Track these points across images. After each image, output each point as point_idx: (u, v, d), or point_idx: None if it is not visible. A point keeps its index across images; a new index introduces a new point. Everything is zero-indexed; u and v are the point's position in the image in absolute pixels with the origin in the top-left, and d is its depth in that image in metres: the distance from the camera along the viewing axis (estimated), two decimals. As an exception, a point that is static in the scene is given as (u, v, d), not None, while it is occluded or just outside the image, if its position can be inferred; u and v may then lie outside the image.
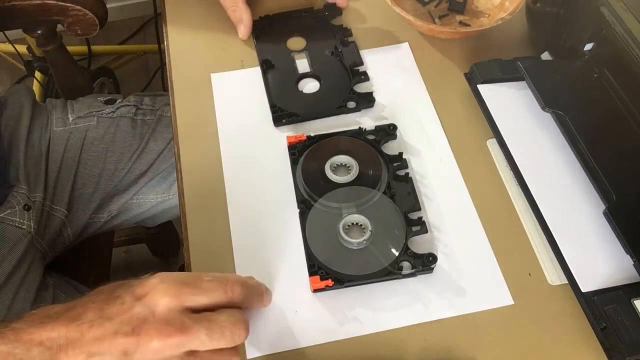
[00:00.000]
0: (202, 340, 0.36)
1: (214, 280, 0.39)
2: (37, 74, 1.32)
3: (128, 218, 0.80)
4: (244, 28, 0.65)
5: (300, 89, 0.62)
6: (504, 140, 0.54)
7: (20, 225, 0.66)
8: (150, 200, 0.78)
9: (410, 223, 0.50)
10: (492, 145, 0.57)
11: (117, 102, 0.79)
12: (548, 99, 0.53)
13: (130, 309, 0.36)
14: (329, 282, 0.47)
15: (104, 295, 0.38)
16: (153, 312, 0.36)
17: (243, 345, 0.45)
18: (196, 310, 0.38)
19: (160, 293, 0.36)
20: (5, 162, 0.68)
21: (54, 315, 0.37)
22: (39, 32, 0.82)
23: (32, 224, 0.67)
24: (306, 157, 0.55)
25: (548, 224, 0.49)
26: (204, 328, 0.36)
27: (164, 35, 0.68)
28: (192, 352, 0.37)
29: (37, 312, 0.38)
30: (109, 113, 0.78)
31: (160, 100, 0.82)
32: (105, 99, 0.80)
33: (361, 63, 0.63)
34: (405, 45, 0.65)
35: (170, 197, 0.78)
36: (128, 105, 0.79)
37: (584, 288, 0.45)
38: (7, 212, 0.65)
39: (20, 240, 0.65)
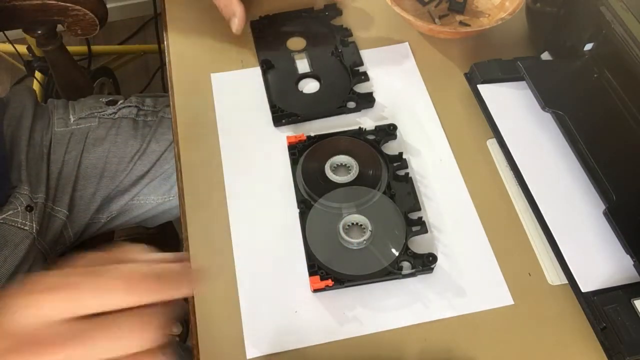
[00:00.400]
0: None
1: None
2: (37, 74, 1.32)
3: (128, 219, 0.80)
4: (237, 21, 0.62)
5: (300, 89, 0.62)
6: (504, 140, 0.54)
7: (22, 227, 0.66)
8: (150, 202, 0.78)
9: (410, 223, 0.50)
10: (492, 145, 0.57)
11: (119, 103, 0.79)
12: (548, 99, 0.53)
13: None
14: (329, 282, 0.47)
15: None
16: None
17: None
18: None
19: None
20: (7, 163, 0.68)
21: None
22: (39, 32, 0.82)
23: (34, 225, 0.67)
24: (306, 157, 0.55)
25: (548, 224, 0.49)
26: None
27: (164, 35, 0.68)
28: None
29: None
30: (110, 114, 0.78)
31: (161, 101, 0.82)
32: (106, 100, 0.80)
33: (361, 63, 0.63)
34: (405, 45, 0.65)
35: (171, 198, 0.78)
36: (130, 106, 0.79)
37: (584, 288, 0.45)
38: (9, 213, 0.65)
39: (22, 241, 0.65)
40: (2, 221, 0.64)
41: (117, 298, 0.30)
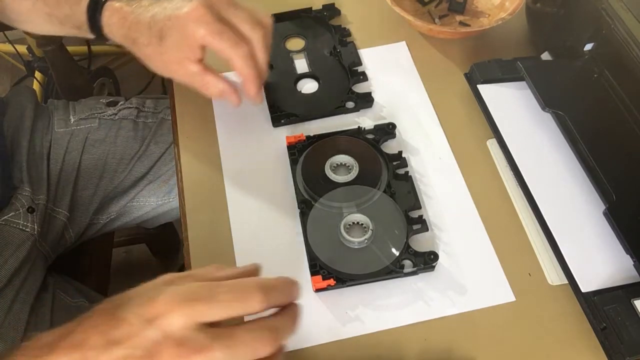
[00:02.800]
0: (221, 359, 0.33)
1: (231, 290, 0.35)
2: (37, 74, 1.32)
3: (128, 220, 0.79)
4: (233, 96, 0.54)
5: (299, 90, 0.62)
6: (504, 140, 0.54)
7: (24, 228, 0.65)
8: (150, 204, 0.78)
9: (410, 221, 0.50)
10: (492, 145, 0.57)
11: (119, 104, 0.79)
12: (548, 99, 0.53)
13: (140, 332, 0.33)
14: (331, 282, 0.47)
15: (105, 317, 0.34)
16: (166, 334, 0.33)
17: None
18: (215, 324, 0.35)
19: (172, 314, 0.33)
20: (9, 164, 0.68)
21: (52, 344, 0.34)
22: (39, 32, 0.82)
23: (35, 227, 0.66)
24: (306, 157, 0.55)
25: (548, 224, 0.49)
26: (222, 347, 0.33)
27: (164, 35, 0.68)
28: None
29: (32, 343, 0.35)
30: (110, 115, 0.77)
31: (162, 103, 0.81)
32: (107, 101, 0.79)
33: (360, 63, 0.63)
34: (403, 44, 0.65)
35: (171, 200, 0.78)
36: (130, 107, 0.79)
37: (584, 288, 0.45)
38: (11, 215, 0.65)
39: (23, 243, 0.65)
40: (3, 223, 0.64)
41: (234, 309, 0.34)
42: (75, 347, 0.33)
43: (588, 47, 0.57)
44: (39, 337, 0.35)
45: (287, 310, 0.38)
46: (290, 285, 0.39)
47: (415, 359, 0.45)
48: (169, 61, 0.53)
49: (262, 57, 0.53)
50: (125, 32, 0.54)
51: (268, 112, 0.59)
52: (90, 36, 0.58)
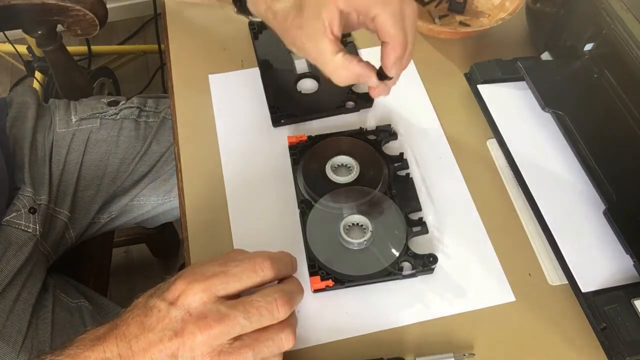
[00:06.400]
0: (242, 324, 0.37)
1: (242, 263, 0.40)
2: (37, 74, 1.32)
3: (129, 219, 0.79)
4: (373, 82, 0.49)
5: (299, 89, 0.62)
6: (504, 140, 0.54)
7: (25, 229, 0.65)
8: (151, 203, 0.78)
9: (410, 223, 0.50)
10: (492, 145, 0.57)
11: (121, 103, 0.79)
12: (548, 99, 0.54)
13: (167, 315, 0.38)
14: (330, 283, 0.47)
15: (140, 309, 0.39)
16: (189, 311, 0.37)
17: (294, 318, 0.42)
18: (233, 296, 0.39)
19: (190, 292, 0.38)
20: (11, 164, 0.68)
21: (103, 336, 0.39)
22: (39, 32, 0.82)
23: (37, 228, 0.66)
24: (307, 157, 0.55)
25: (548, 224, 0.49)
26: (241, 312, 0.37)
27: (164, 35, 0.68)
28: (238, 337, 0.38)
29: (87, 336, 0.40)
30: (112, 115, 0.77)
31: (163, 102, 0.81)
32: (108, 101, 0.79)
33: (360, 63, 0.63)
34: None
35: (172, 199, 0.78)
36: (131, 107, 0.79)
37: (584, 288, 0.45)
38: (12, 216, 0.65)
39: (25, 243, 0.64)
40: (5, 223, 0.64)
41: (248, 279, 0.39)
42: (121, 336, 0.38)
43: (588, 47, 0.57)
44: (92, 331, 0.40)
45: (291, 279, 0.43)
46: (291, 257, 0.44)
47: (414, 359, 0.45)
48: (305, 36, 0.47)
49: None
50: (268, 4, 0.49)
51: (268, 112, 0.59)
52: (233, 9, 0.55)
